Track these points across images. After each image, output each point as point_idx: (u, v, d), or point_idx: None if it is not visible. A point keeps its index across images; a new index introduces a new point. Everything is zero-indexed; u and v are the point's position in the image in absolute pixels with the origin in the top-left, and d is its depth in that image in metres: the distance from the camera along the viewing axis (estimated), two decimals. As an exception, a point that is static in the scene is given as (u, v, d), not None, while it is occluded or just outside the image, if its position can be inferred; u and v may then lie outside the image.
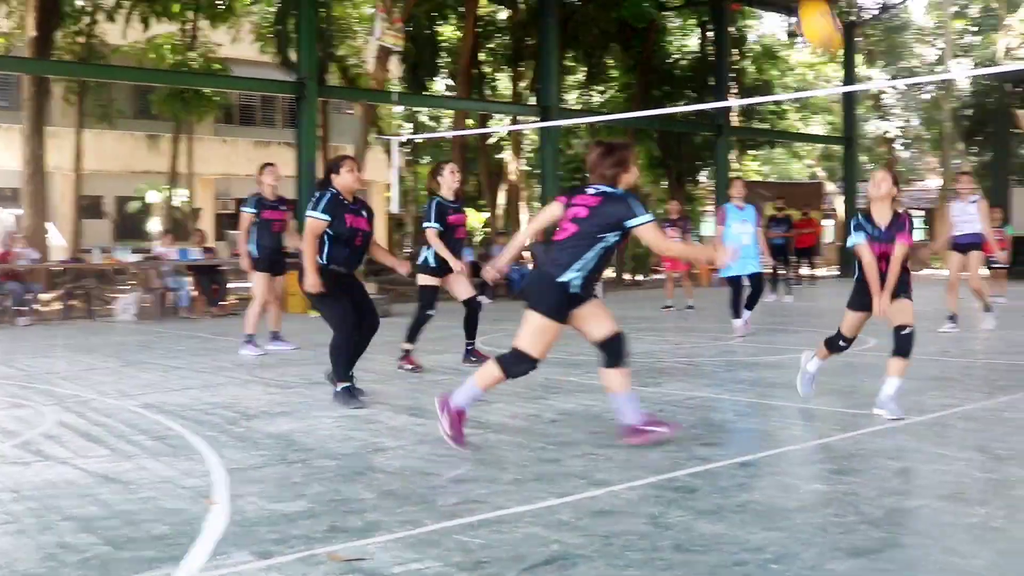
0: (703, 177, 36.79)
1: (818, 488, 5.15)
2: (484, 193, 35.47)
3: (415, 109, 36.79)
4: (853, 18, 34.53)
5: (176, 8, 25.85)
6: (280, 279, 12.33)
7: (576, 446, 6.19)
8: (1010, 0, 43.22)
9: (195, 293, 18.18)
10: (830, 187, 44.01)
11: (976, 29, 45.18)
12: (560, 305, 5.90)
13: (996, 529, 4.36)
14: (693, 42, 36.12)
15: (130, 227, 35.79)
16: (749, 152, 39.96)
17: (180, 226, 30.22)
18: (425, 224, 9.93)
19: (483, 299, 14.99)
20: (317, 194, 7.94)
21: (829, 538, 4.26)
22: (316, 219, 7.77)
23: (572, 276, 5.87)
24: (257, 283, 11.82)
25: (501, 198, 35.80)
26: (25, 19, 22.52)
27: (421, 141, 37.17)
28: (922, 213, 50.16)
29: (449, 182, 9.98)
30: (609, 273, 31.87)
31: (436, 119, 38.71)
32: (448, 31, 33.23)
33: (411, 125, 39.59)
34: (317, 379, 9.38)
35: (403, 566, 3.97)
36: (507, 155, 35.28)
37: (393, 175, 20.90)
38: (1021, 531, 4.34)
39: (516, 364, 5.97)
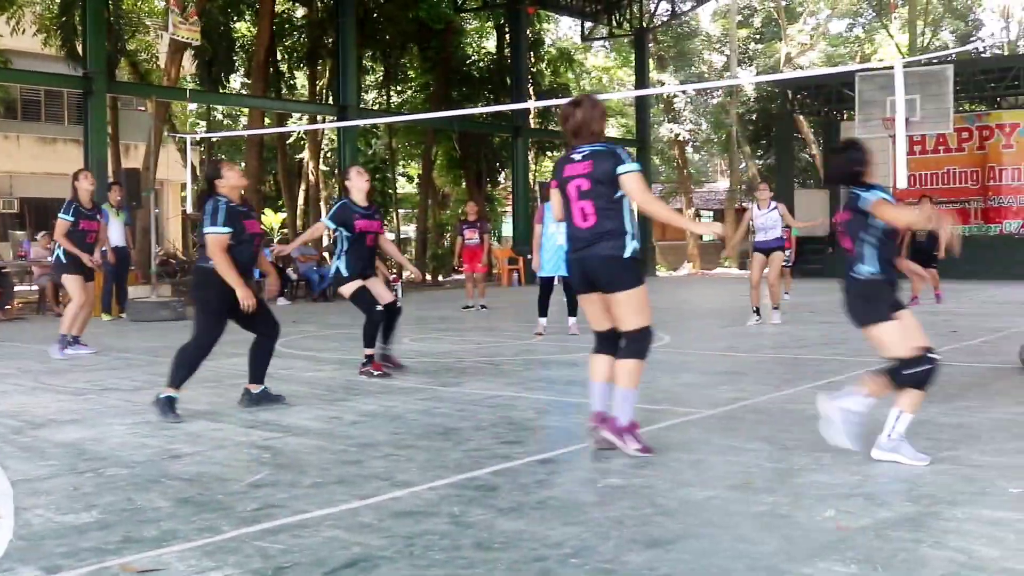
0: (502, 178, 37.13)
1: (615, 482, 5.26)
2: (282, 193, 34.97)
3: (210, 107, 35.95)
4: (644, 24, 35.44)
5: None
6: (91, 284, 11.93)
7: (377, 447, 6.16)
8: (789, 11, 45.17)
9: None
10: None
11: (759, 37, 47.05)
12: (641, 273, 5.87)
13: (783, 516, 4.53)
14: (491, 44, 36.44)
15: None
16: (546, 153, 40.56)
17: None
18: (325, 218, 9.55)
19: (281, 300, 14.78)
20: (209, 206, 7.55)
21: (626, 531, 4.35)
22: (218, 234, 7.41)
23: (633, 244, 5.78)
24: (72, 286, 11.52)
25: (300, 198, 35.36)
26: None
27: (217, 140, 36.36)
28: (711, 213, 51.93)
29: (358, 184, 9.50)
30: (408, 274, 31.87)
31: (233, 117, 37.99)
32: (244, 28, 32.64)
33: (206, 123, 38.69)
34: (110, 385, 9.10)
35: (201, 575, 3.88)
36: (306, 155, 34.84)
37: (188, 174, 20.42)
38: (806, 517, 4.52)
39: (643, 341, 5.87)
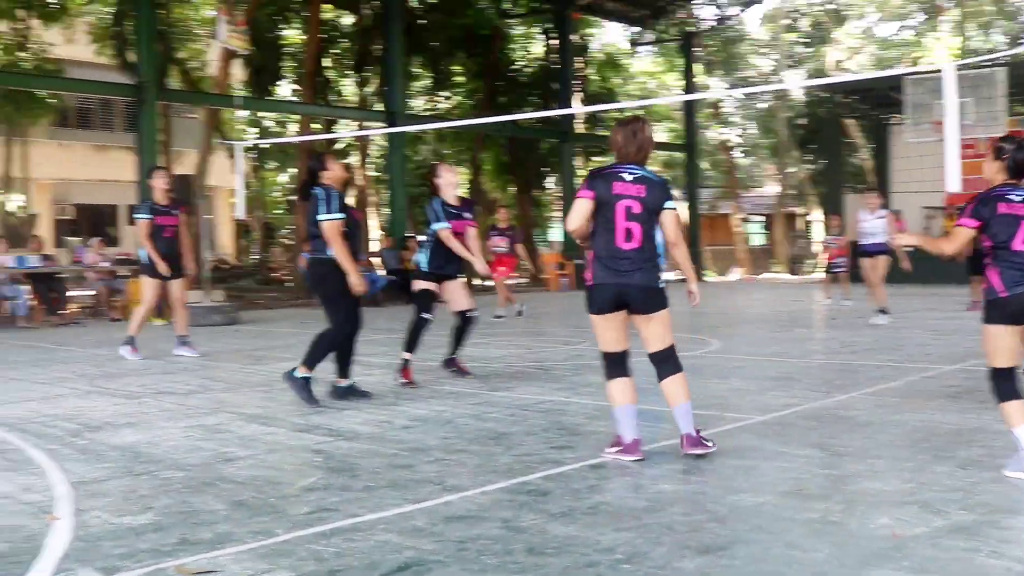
0: (550, 183, 37.12)
1: (666, 488, 5.24)
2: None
3: (260, 114, 36.24)
4: (692, 29, 35.32)
5: (5, 6, 24.93)
6: (178, 283, 12.00)
7: (429, 452, 6.18)
8: (837, 15, 44.85)
9: (33, 302, 17.56)
10: (674, 192, 44.92)
11: (807, 42, 46.75)
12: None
13: (834, 523, 4.50)
14: (537, 49, 36.44)
15: (-40, 234, 34.38)
16: (593, 159, 40.52)
17: (16, 232, 29.12)
18: (435, 225, 9.43)
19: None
20: (322, 194, 7.85)
21: (678, 536, 4.34)
22: (334, 219, 7.75)
23: (663, 269, 5.98)
24: (146, 288, 11.68)
25: (350, 203, 35.55)
26: None
27: (267, 146, 36.65)
28: (762, 218, 51.62)
29: (449, 180, 9.54)
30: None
31: (282, 124, 38.23)
32: (292, 35, 32.85)
33: (256, 130, 38.96)
34: (164, 388, 9.19)
35: (256, 578, 3.92)
36: (354, 160, 35.01)
37: (238, 180, 20.55)
38: (857, 524, 4.48)
39: (676, 355, 6.11)
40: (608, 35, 43.14)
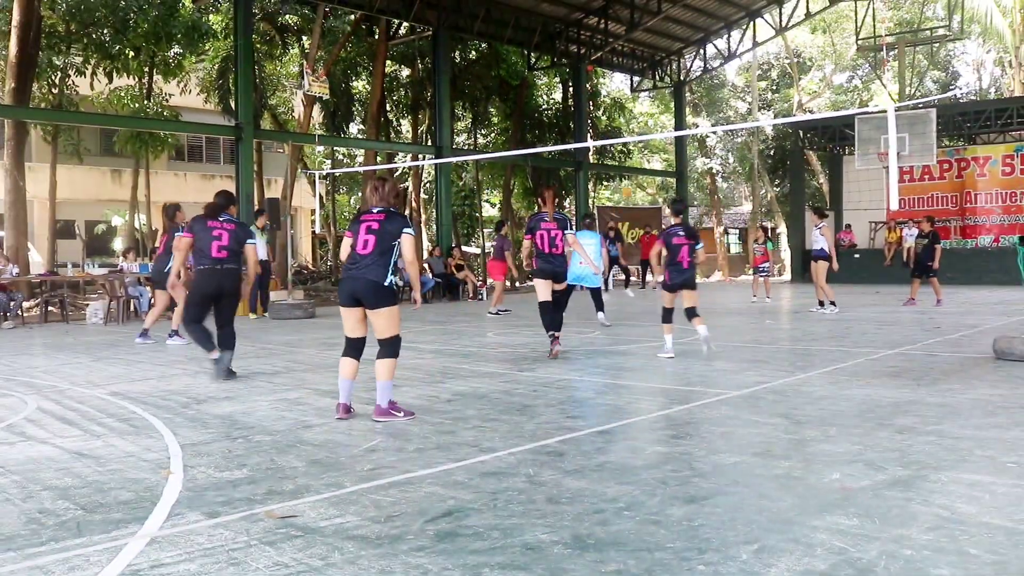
0: (567, 203, 37.01)
1: (659, 450, 5.23)
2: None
3: (334, 148, 36.36)
4: (682, 78, 35.20)
5: (135, 65, 25.15)
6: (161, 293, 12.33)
7: (468, 420, 6.19)
8: (801, 66, 44.55)
9: (154, 300, 17.65)
10: (666, 211, 44.75)
11: (776, 87, 46.47)
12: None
13: (796, 478, 4.48)
14: (557, 95, 36.38)
15: (98, 246, 34.62)
16: (603, 183, 40.41)
17: (140, 244, 29.33)
18: (567, 232, 9.87)
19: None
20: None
21: (669, 489, 4.33)
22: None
23: None
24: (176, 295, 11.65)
25: (405, 220, 35.61)
26: (6, 73, 21.66)
27: (339, 175, 36.78)
28: (736, 231, 51.35)
29: (547, 197, 10.02)
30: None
31: (351, 156, 38.33)
32: (360, 85, 32.95)
33: (329, 162, 39.08)
34: (255, 370, 9.23)
35: (328, 521, 3.93)
36: (409, 185, 35.10)
37: (316, 202, 20.68)
38: (816, 479, 4.46)
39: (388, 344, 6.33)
40: (614, 83, 43.07)
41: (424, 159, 28.36)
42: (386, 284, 6.16)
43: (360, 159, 33.56)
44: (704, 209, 48.26)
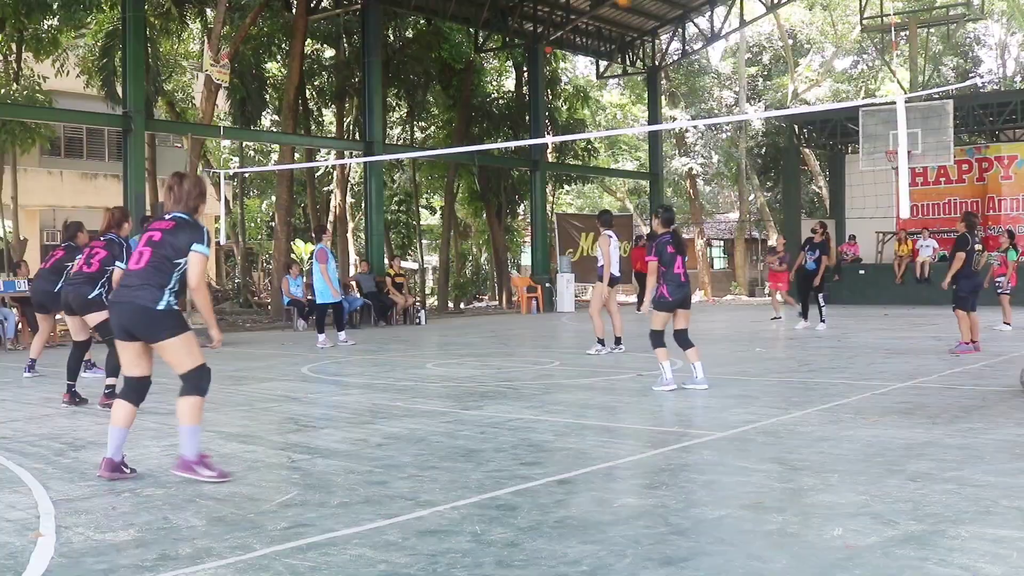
0: (521, 210, 37.16)
1: (630, 502, 5.24)
2: (311, 224, 35.07)
3: (243, 143, 36.18)
4: (657, 63, 35.53)
5: (0, 40, 24.86)
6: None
7: (402, 468, 6.16)
8: (797, 49, 45.20)
9: (21, 325, 17.40)
10: (638, 220, 45.16)
11: (767, 74, 47.09)
12: None
13: (792, 535, 4.51)
14: (510, 83, 36.54)
15: (-55, 259, 34.12)
16: (563, 186, 40.59)
17: (4, 257, 28.87)
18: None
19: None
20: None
21: (641, 549, 4.33)
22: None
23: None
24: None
25: (327, 229, 35.51)
26: None
27: (249, 175, 36.57)
28: (722, 243, 51.89)
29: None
30: (433, 300, 31.91)
31: (264, 153, 38.18)
32: (274, 68, 32.82)
33: (238, 159, 38.87)
34: (145, 408, 9.08)
35: (233, 591, 3.88)
36: (334, 187, 34.98)
37: (222, 207, 20.53)
38: (814, 535, 4.49)
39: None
40: (578, 68, 43.36)
41: (351, 156, 28.29)
42: (160, 308, 5.83)
43: (275, 156, 33.41)
44: (683, 217, 48.70)
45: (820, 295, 17.86)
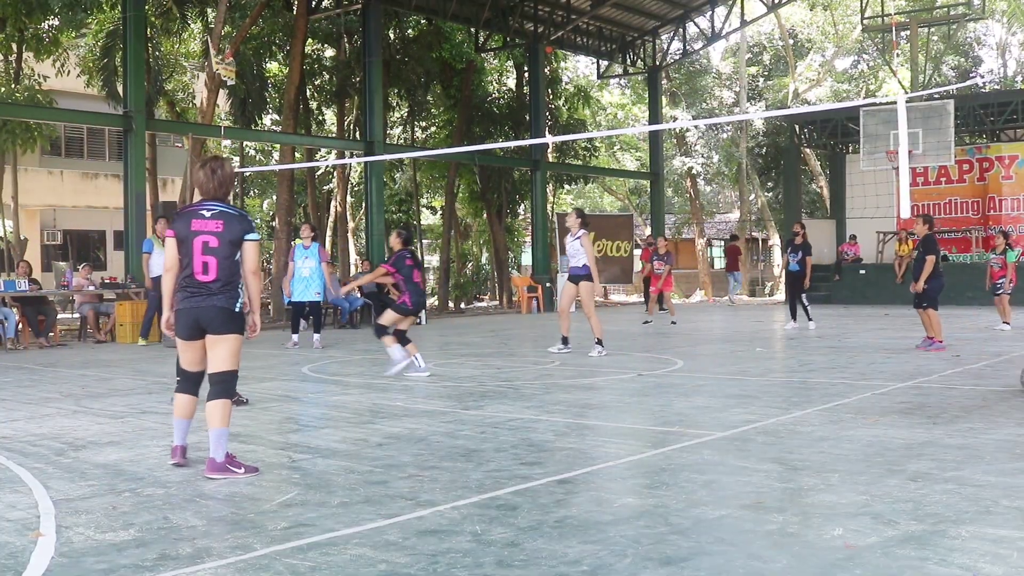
0: (522, 209, 37.16)
1: (630, 502, 5.24)
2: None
3: (244, 143, 36.18)
4: (657, 62, 35.53)
5: (0, 39, 24.84)
6: None
7: (402, 468, 6.16)
8: (797, 49, 45.20)
9: (21, 324, 17.41)
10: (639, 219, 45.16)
11: (768, 74, 47.07)
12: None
13: (792, 534, 4.51)
14: (511, 82, 36.51)
15: (-49, 258, 34.12)
16: (564, 186, 40.57)
17: (5, 256, 28.87)
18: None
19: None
20: None
21: (642, 548, 4.33)
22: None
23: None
24: None
25: (328, 229, 35.50)
26: None
27: (250, 175, 36.56)
28: (721, 243, 51.81)
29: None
30: (434, 300, 31.91)
31: (265, 153, 38.19)
32: (275, 68, 32.80)
33: (238, 159, 38.86)
34: (147, 408, 9.13)
35: (233, 591, 3.89)
36: (334, 187, 34.97)
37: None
38: (814, 535, 4.49)
39: (224, 382, 6.20)
40: (578, 68, 43.33)
41: (352, 156, 28.29)
42: (236, 310, 6.15)
43: (276, 156, 33.40)
44: (683, 217, 48.68)
45: (803, 295, 18.01)
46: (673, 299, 24.61)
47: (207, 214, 6.11)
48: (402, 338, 11.24)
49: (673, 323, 20.86)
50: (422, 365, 11.31)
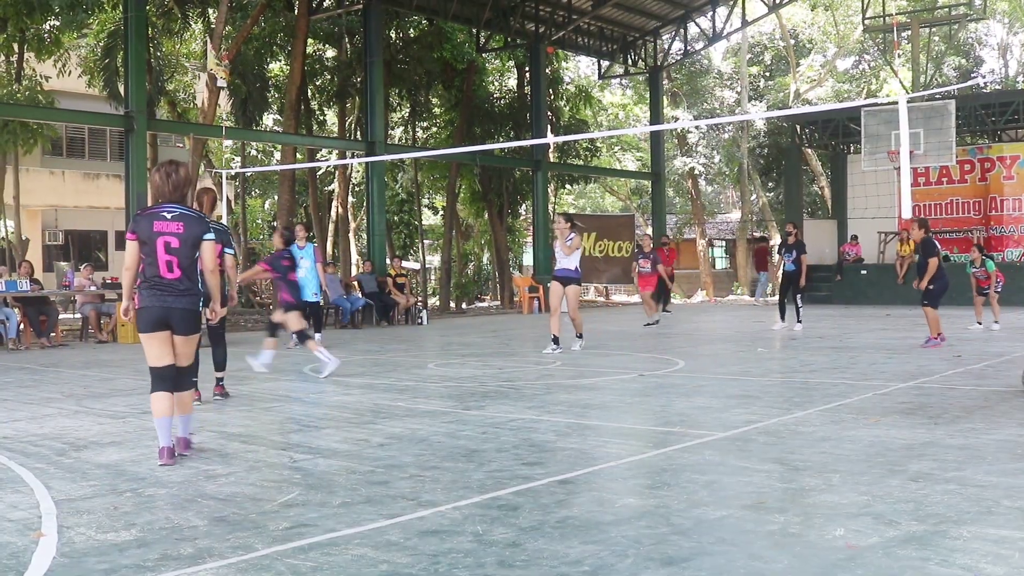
0: (523, 210, 37.19)
1: (632, 502, 5.24)
2: (312, 224, 35.09)
3: (245, 143, 36.20)
4: (658, 63, 35.54)
5: (1, 40, 24.85)
6: None
7: (404, 468, 6.16)
8: (798, 49, 45.19)
9: (23, 325, 17.41)
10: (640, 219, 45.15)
11: (769, 74, 47.07)
12: None
13: (793, 535, 4.51)
14: (512, 82, 36.51)
15: (-47, 258, 34.13)
16: (565, 187, 40.56)
17: (7, 257, 28.89)
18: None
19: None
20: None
21: (643, 549, 4.33)
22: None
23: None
24: None
25: (330, 229, 35.52)
26: None
27: (251, 175, 36.59)
28: (723, 243, 51.86)
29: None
30: (435, 301, 31.91)
31: (266, 153, 38.20)
32: (277, 68, 32.82)
33: (239, 159, 38.89)
34: (148, 408, 9.11)
35: (235, 591, 3.88)
36: (335, 187, 34.98)
37: (224, 208, 20.55)
38: (816, 535, 4.49)
39: (190, 374, 6.95)
40: (579, 68, 43.32)
41: (353, 156, 28.30)
42: (199, 310, 6.71)
43: (277, 157, 33.41)
44: (685, 217, 48.66)
45: (798, 296, 17.99)
46: (673, 299, 24.63)
47: (168, 216, 6.49)
48: (302, 335, 11.84)
49: (646, 325, 20.22)
50: (330, 360, 11.53)
